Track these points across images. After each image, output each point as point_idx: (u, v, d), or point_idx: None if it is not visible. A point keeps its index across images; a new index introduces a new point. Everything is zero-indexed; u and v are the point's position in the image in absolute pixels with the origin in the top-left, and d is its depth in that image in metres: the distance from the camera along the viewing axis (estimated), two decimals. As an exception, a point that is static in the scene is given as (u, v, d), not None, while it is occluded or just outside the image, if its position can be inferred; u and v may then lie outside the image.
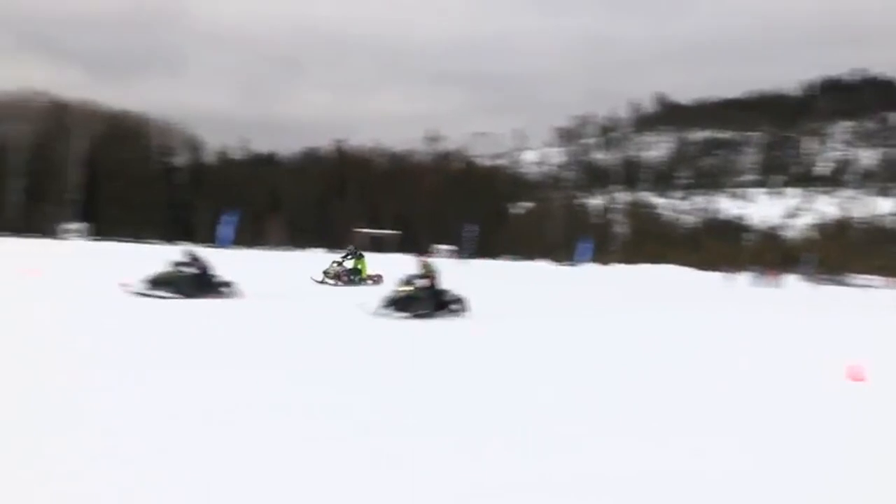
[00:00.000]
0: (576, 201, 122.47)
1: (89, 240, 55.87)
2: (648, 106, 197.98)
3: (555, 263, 65.12)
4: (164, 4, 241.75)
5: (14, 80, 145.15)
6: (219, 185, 77.39)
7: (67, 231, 59.38)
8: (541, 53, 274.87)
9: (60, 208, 66.52)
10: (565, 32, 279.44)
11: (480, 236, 69.51)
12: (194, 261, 17.57)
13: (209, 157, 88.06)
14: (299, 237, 71.88)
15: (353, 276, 26.03)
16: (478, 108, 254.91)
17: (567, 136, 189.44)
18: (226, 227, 54.21)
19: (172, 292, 16.51)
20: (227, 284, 17.86)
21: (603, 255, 77.69)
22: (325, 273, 25.99)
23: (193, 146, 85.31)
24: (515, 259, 68.34)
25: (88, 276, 22.02)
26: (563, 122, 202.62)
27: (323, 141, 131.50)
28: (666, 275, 54.72)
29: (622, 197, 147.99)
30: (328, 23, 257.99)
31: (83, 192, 69.79)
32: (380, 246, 71.50)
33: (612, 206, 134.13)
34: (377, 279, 26.64)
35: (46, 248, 40.93)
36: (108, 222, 63.63)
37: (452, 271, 44.03)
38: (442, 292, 16.15)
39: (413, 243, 72.46)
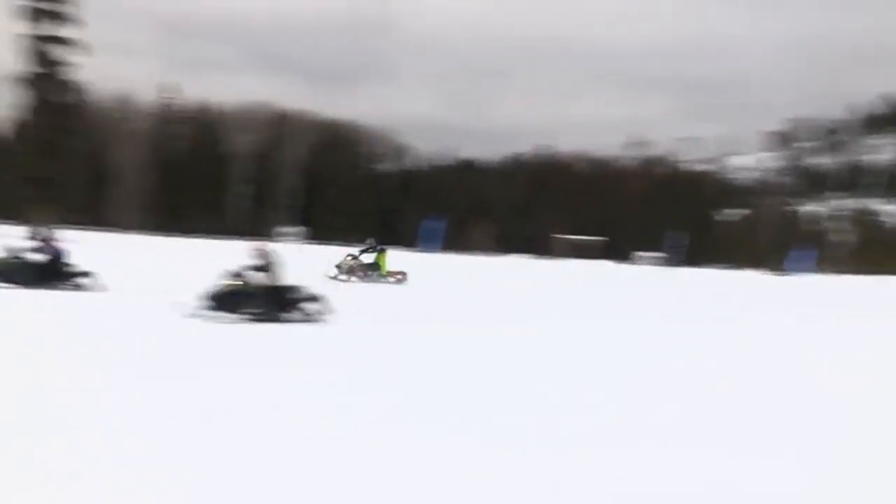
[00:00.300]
0: (789, 208, 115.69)
1: (305, 243, 58.73)
2: (875, 107, 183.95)
3: (765, 273, 61.86)
4: (376, 16, 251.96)
5: (240, 92, 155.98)
6: (426, 190, 79.35)
7: (284, 234, 62.78)
8: (749, 55, 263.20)
9: (279, 213, 70.64)
10: (775, 33, 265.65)
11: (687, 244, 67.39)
12: (44, 244, 15.53)
13: (417, 163, 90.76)
14: (505, 243, 72.21)
15: (371, 272, 24.01)
16: (684, 113, 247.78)
17: (781, 139, 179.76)
18: (429, 232, 55.37)
19: (1, 281, 14.89)
20: (84, 274, 15.76)
21: (823, 264, 73.09)
22: (338, 268, 24.10)
23: (401, 153, 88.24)
24: (723, 268, 65.56)
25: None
26: (772, 126, 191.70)
27: (527, 147, 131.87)
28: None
29: (843, 203, 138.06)
30: (533, 29, 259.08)
31: (301, 197, 73.85)
32: (581, 252, 70.72)
33: (833, 213, 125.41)
34: (401, 277, 24.63)
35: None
36: (322, 227, 66.79)
37: (657, 279, 42.76)
38: (287, 289, 13.24)
39: (616, 250, 71.22)
